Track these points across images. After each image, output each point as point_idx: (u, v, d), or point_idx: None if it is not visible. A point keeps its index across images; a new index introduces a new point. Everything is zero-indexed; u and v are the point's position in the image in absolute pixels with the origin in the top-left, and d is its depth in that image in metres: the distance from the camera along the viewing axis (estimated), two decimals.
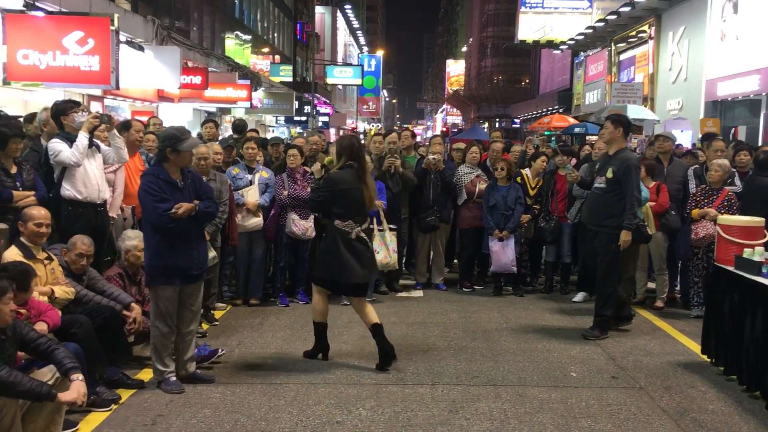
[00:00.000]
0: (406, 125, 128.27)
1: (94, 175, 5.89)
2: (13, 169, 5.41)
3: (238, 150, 8.25)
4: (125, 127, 6.85)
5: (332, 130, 44.66)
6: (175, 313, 5.11)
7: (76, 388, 3.73)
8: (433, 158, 8.53)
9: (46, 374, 3.87)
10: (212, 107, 23.52)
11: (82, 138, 5.77)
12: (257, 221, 7.66)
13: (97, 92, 15.68)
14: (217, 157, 7.24)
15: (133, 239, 5.67)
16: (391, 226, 7.88)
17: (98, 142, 5.91)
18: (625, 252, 6.64)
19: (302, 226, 7.67)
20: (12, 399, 3.60)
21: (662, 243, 7.88)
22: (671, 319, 7.49)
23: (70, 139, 5.72)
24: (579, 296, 8.33)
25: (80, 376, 3.81)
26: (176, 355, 5.25)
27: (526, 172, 8.75)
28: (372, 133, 27.83)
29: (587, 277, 8.25)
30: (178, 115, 21.26)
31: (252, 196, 7.64)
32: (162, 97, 19.42)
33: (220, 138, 9.60)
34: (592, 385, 5.41)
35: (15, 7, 11.74)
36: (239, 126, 10.00)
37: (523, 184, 8.58)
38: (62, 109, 5.76)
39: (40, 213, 4.97)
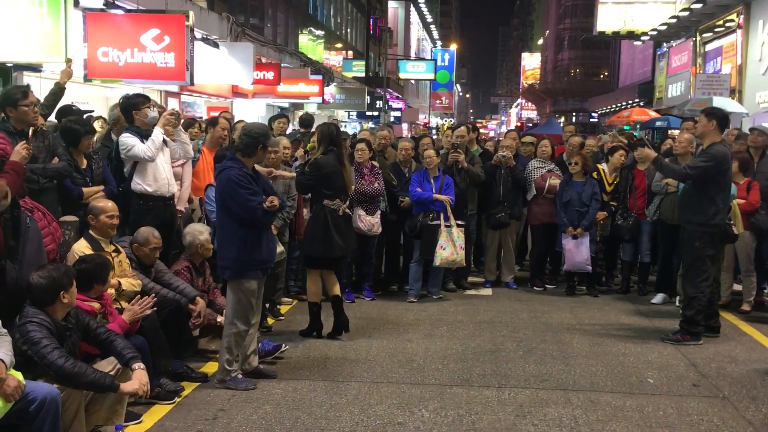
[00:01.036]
0: (479, 120, 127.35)
1: (164, 169, 5.96)
2: (84, 165, 5.52)
3: (304, 144, 8.24)
4: (212, 123, 6.93)
5: (404, 126, 44.59)
6: (255, 308, 5.11)
7: (138, 378, 3.75)
8: (503, 154, 8.30)
9: (107, 366, 3.91)
10: (285, 103, 23.83)
11: (158, 134, 5.85)
12: None
13: (174, 88, 16.10)
14: (286, 152, 7.22)
15: (204, 233, 5.73)
16: (459, 222, 7.73)
17: (167, 137, 5.97)
18: (710, 252, 6.28)
19: (368, 221, 7.59)
20: (76, 390, 3.64)
21: (750, 243, 7.42)
22: (758, 324, 7.06)
23: (141, 134, 5.81)
24: (658, 298, 7.96)
25: (141, 365, 3.84)
26: (240, 350, 5.23)
27: (603, 167, 8.41)
28: (444, 127, 27.54)
29: (667, 277, 7.87)
30: (251, 111, 21.63)
31: None
32: (236, 93, 19.75)
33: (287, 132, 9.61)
34: (671, 392, 5.12)
35: (95, 6, 12.14)
36: (306, 121, 10.01)
37: (600, 179, 8.25)
38: (134, 104, 5.85)
39: (111, 205, 5.06)
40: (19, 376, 3.38)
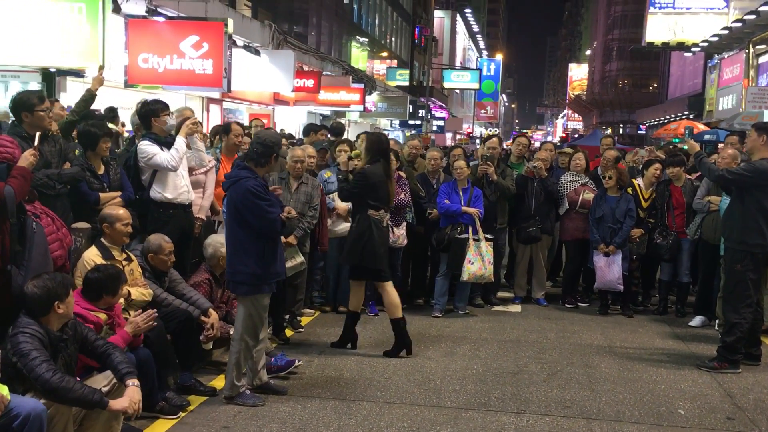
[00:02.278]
0: (524, 130, 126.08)
1: (183, 176, 5.86)
2: (101, 170, 5.43)
3: (332, 153, 8.08)
4: (225, 130, 6.83)
5: (448, 135, 44.33)
6: (265, 323, 4.96)
7: (129, 396, 3.59)
8: (534, 165, 8.00)
9: (102, 380, 3.77)
10: (326, 110, 23.83)
11: (182, 143, 5.75)
12: (347, 227, 7.35)
13: (215, 95, 16.20)
14: (311, 161, 7.07)
15: (224, 245, 5.59)
16: (488, 236, 7.46)
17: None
18: (752, 275, 5.90)
19: (394, 233, 7.36)
20: (64, 406, 3.50)
21: None
22: None
23: (159, 141, 5.70)
24: (697, 320, 7.55)
25: (135, 382, 3.68)
26: (249, 364, 5.06)
27: (638, 182, 8.05)
28: (485, 136, 27.18)
29: (707, 298, 7.47)
30: (293, 118, 21.70)
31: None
32: (278, 100, 19.82)
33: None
34: (702, 425, 4.76)
35: (138, 13, 12.25)
36: (336, 129, 9.87)
37: (635, 195, 7.89)
38: (154, 110, 5.75)
39: (124, 212, 4.96)
40: (4, 390, 3.25)
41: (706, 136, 21.24)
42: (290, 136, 11.41)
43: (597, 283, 7.85)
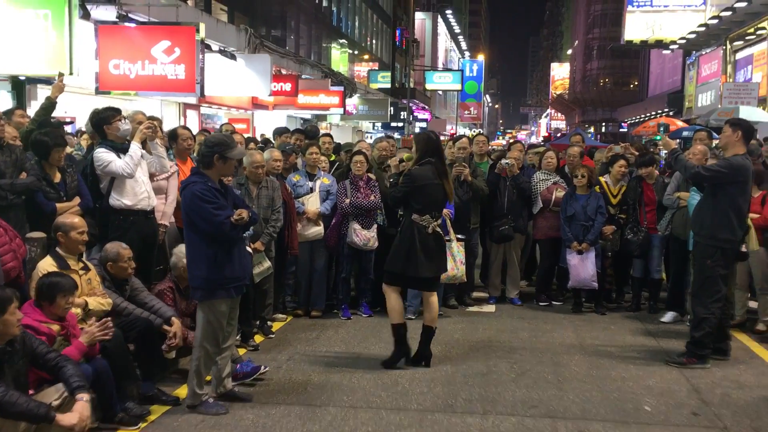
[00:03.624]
0: (509, 130, 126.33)
1: (143, 182, 5.80)
2: (57, 178, 5.36)
3: (299, 155, 8.03)
4: (172, 137, 6.77)
5: None
6: (225, 329, 4.90)
7: (78, 411, 3.51)
8: (507, 162, 7.98)
9: (53, 393, 3.68)
10: (306, 114, 23.78)
11: (135, 149, 5.68)
12: (318, 230, 7.42)
13: (193, 100, 16.10)
14: (276, 164, 7.01)
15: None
16: (459, 236, 7.41)
17: (143, 150, 5.78)
18: (721, 270, 5.90)
19: (364, 236, 7.35)
20: (9, 421, 3.41)
21: (765, 260, 6.98)
22: None
23: (116, 148, 5.63)
24: (668, 316, 7.56)
25: (85, 397, 3.60)
26: (213, 372, 5.00)
27: (605, 179, 8.06)
28: (470, 136, 27.12)
29: (679, 294, 7.48)
30: (272, 122, 21.59)
31: (313, 203, 7.40)
32: (256, 104, 19.77)
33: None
34: (667, 422, 4.74)
35: (108, 18, 12.13)
36: (310, 132, 9.82)
37: (603, 192, 7.89)
38: (104, 118, 5.68)
39: (80, 221, 4.88)
40: None
41: (685, 133, 21.30)
42: (267, 141, 11.33)
43: (571, 281, 7.84)
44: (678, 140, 21.31)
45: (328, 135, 9.20)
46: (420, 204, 5.76)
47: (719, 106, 23.21)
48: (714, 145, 8.68)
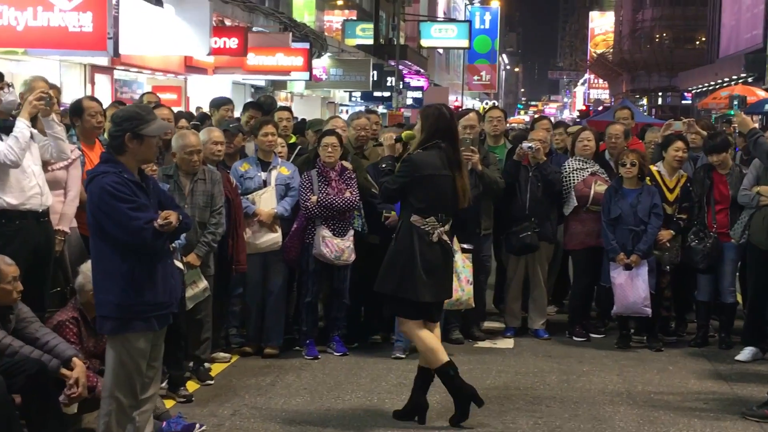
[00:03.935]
0: (533, 102, 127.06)
1: (33, 173, 5.80)
2: None
3: (250, 134, 8.03)
4: (76, 111, 6.73)
5: None
6: (144, 374, 4.89)
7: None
8: (530, 146, 8.02)
9: None
10: (259, 80, 23.71)
11: (23, 127, 5.66)
12: (274, 238, 7.44)
13: (103, 62, 16.04)
14: (217, 149, 7.01)
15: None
16: (465, 246, 7.40)
17: (34, 130, 5.76)
18: None
19: (336, 246, 7.36)
20: None
21: None
22: None
23: None
24: (745, 353, 7.63)
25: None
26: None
27: (658, 168, 8.13)
28: (481, 110, 27.30)
29: (759, 324, 7.55)
30: (212, 91, 21.48)
31: (266, 202, 7.42)
32: (191, 67, 19.68)
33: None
34: None
35: None
36: (266, 105, 9.82)
37: (656, 185, 7.98)
38: None
39: None
40: None
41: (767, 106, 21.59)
42: (205, 117, 11.32)
43: (616, 306, 7.90)
44: (758, 117, 21.60)
45: (286, 109, 9.22)
46: (422, 202, 5.75)
47: None
48: None
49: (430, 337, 5.87)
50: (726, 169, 7.91)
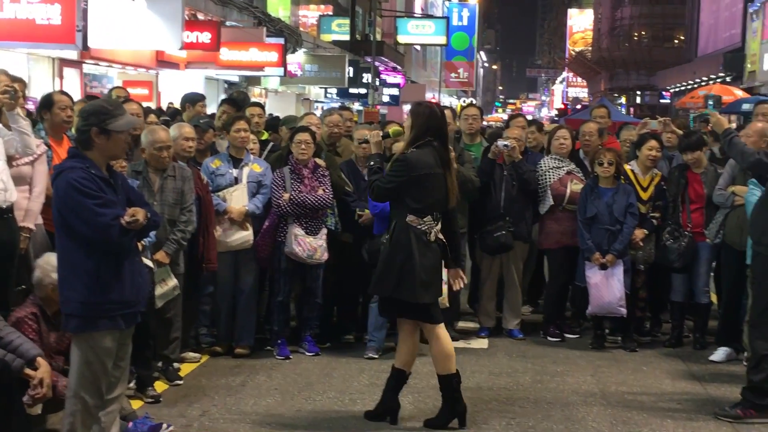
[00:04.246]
0: (511, 100, 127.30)
1: None
2: None
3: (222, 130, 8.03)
4: (46, 105, 6.69)
5: (405, 107, 44.46)
6: (111, 374, 4.88)
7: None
8: (505, 144, 8.05)
9: None
10: (233, 75, 23.64)
11: None
12: (245, 236, 7.44)
13: (72, 56, 15.93)
14: (188, 145, 6.99)
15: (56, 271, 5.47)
16: None
17: None
18: None
19: (308, 245, 7.37)
20: None
21: None
22: None
23: None
24: (720, 353, 7.70)
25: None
26: None
27: (632, 167, 8.21)
28: (458, 108, 27.21)
29: (734, 324, 7.62)
30: (184, 86, 21.39)
31: (238, 199, 7.42)
32: (163, 62, 19.60)
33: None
34: None
35: None
36: (238, 100, 9.80)
37: (630, 184, 8.05)
38: None
39: None
40: None
41: (746, 106, 21.71)
42: (177, 112, 11.28)
43: (591, 306, 7.95)
44: (735, 117, 21.78)
45: (258, 105, 9.21)
46: (419, 201, 5.79)
47: None
48: None
49: (413, 341, 5.96)
50: (701, 168, 7.99)
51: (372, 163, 6.01)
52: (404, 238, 5.76)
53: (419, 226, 5.76)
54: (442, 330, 5.93)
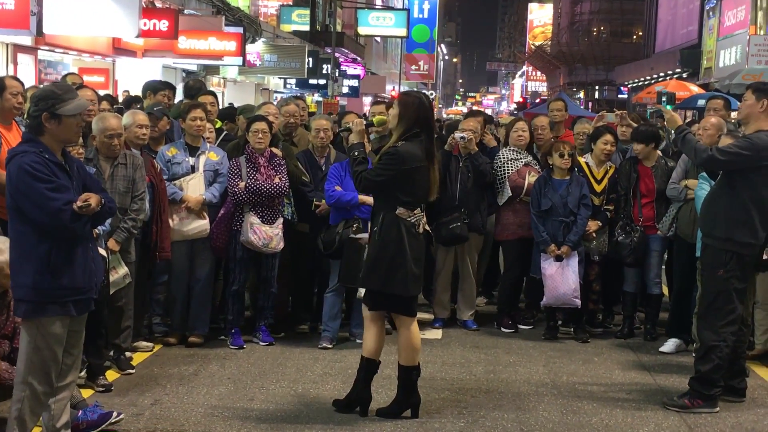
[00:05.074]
0: (471, 94, 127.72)
1: None
2: None
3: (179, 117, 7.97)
4: None
5: (366, 99, 44.47)
6: (61, 361, 4.84)
7: None
8: (462, 136, 8.10)
9: None
10: (191, 64, 23.46)
11: None
12: (201, 225, 7.42)
13: (26, 41, 15.71)
14: (141, 132, 6.93)
15: (5, 252, 5.40)
16: None
17: None
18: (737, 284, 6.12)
19: (264, 233, 7.37)
20: None
21: None
22: None
23: None
24: (669, 344, 7.81)
25: None
26: (44, 421, 4.94)
27: (586, 159, 8.30)
28: None
29: (684, 315, 7.73)
30: (142, 74, 21.19)
31: (194, 188, 7.40)
32: (119, 49, 19.39)
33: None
34: None
35: None
36: (193, 88, 9.74)
37: (584, 176, 8.15)
38: None
39: None
40: None
41: (701, 101, 21.96)
42: (134, 100, 11.18)
43: (546, 297, 8.00)
44: (691, 113, 22.06)
45: (211, 93, 9.17)
46: (409, 195, 5.79)
47: (746, 66, 24.09)
48: (733, 118, 9.00)
49: (379, 334, 5.98)
50: (651, 162, 8.08)
51: (356, 153, 5.95)
52: (395, 231, 5.75)
53: (410, 218, 5.78)
54: (415, 323, 5.98)
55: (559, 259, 7.89)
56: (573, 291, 7.89)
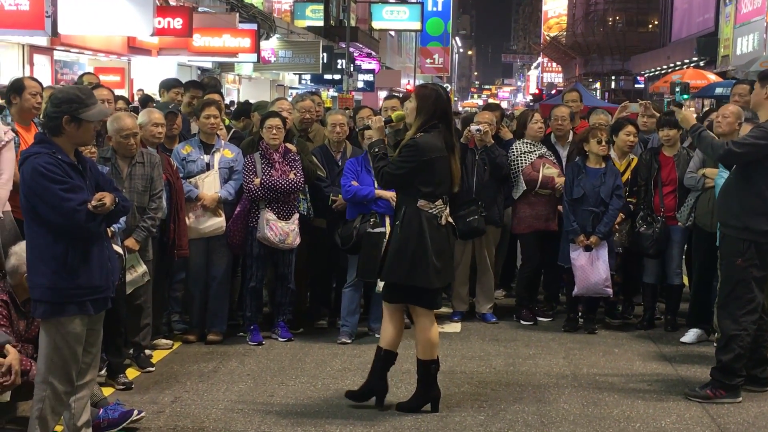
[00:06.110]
0: (486, 86, 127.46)
1: None
2: None
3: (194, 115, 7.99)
4: (16, 89, 6.63)
5: (381, 93, 44.42)
6: (81, 360, 4.86)
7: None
8: (478, 128, 8.07)
9: None
10: (206, 61, 23.57)
11: None
12: (217, 223, 7.43)
13: (42, 42, 15.83)
14: (157, 131, 6.95)
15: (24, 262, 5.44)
16: None
17: None
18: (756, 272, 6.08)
19: (280, 229, 7.36)
20: None
21: None
22: None
23: None
24: (690, 335, 7.77)
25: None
26: (65, 419, 4.96)
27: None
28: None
29: (704, 306, 7.69)
30: (157, 73, 21.30)
31: (210, 186, 7.40)
32: (134, 48, 19.53)
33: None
34: None
35: None
36: (209, 86, 9.76)
37: None
38: None
39: None
40: None
41: (719, 90, 21.88)
42: (148, 99, 11.23)
43: (577, 288, 7.94)
44: (709, 101, 21.88)
45: (216, 92, 9.18)
46: (429, 185, 5.77)
47: (763, 53, 23.94)
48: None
49: (398, 326, 5.98)
50: (674, 150, 8.02)
51: (376, 149, 5.93)
52: (416, 223, 5.74)
53: (431, 210, 5.76)
54: (432, 316, 5.97)
55: (588, 249, 7.85)
56: (604, 281, 7.84)
